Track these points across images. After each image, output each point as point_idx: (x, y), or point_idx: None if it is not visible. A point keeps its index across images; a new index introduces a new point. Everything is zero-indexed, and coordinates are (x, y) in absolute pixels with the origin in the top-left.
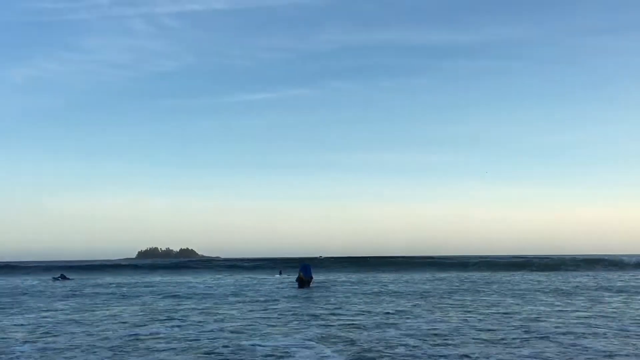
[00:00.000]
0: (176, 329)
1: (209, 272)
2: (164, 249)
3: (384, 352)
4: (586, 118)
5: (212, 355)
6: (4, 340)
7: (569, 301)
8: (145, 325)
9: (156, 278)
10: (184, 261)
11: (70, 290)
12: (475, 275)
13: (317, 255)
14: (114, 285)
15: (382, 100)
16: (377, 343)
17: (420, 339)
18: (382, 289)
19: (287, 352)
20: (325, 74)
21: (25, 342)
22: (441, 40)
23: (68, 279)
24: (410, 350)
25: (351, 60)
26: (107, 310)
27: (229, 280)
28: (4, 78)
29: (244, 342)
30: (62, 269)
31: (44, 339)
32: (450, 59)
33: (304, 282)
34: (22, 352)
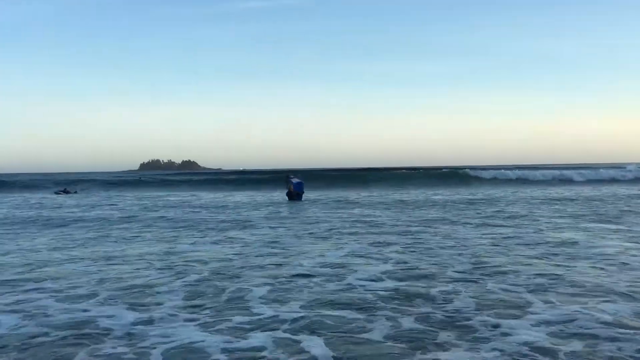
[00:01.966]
0: (236, 247)
1: (218, 186)
2: (165, 161)
3: (437, 270)
4: (601, 26)
5: (275, 271)
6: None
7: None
8: (201, 241)
9: (166, 193)
10: (190, 175)
11: (81, 206)
12: (487, 188)
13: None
14: (127, 201)
15: (385, 9)
16: (421, 257)
17: (468, 258)
18: (398, 203)
19: (344, 265)
20: None
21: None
22: None
23: (71, 192)
24: (465, 272)
25: None
26: (141, 232)
27: (243, 197)
28: None
29: (296, 258)
30: (64, 184)
31: (100, 261)
32: None
33: (293, 194)
34: (93, 275)
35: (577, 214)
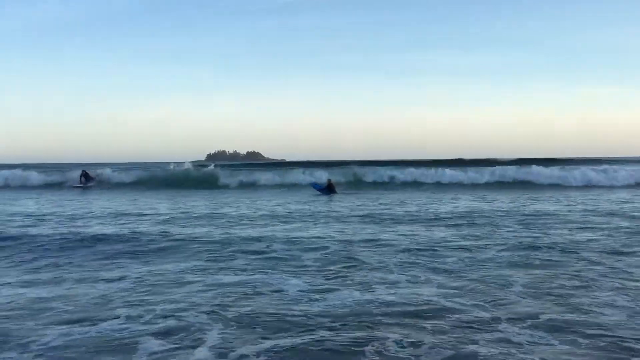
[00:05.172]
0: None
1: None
2: (231, 151)
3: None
4: None
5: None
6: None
7: None
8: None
9: (249, 194)
10: (258, 167)
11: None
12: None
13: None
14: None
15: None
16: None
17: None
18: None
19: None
20: None
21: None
22: None
23: (95, 178)
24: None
25: None
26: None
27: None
28: None
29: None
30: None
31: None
32: None
33: (333, 187)
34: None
35: None
